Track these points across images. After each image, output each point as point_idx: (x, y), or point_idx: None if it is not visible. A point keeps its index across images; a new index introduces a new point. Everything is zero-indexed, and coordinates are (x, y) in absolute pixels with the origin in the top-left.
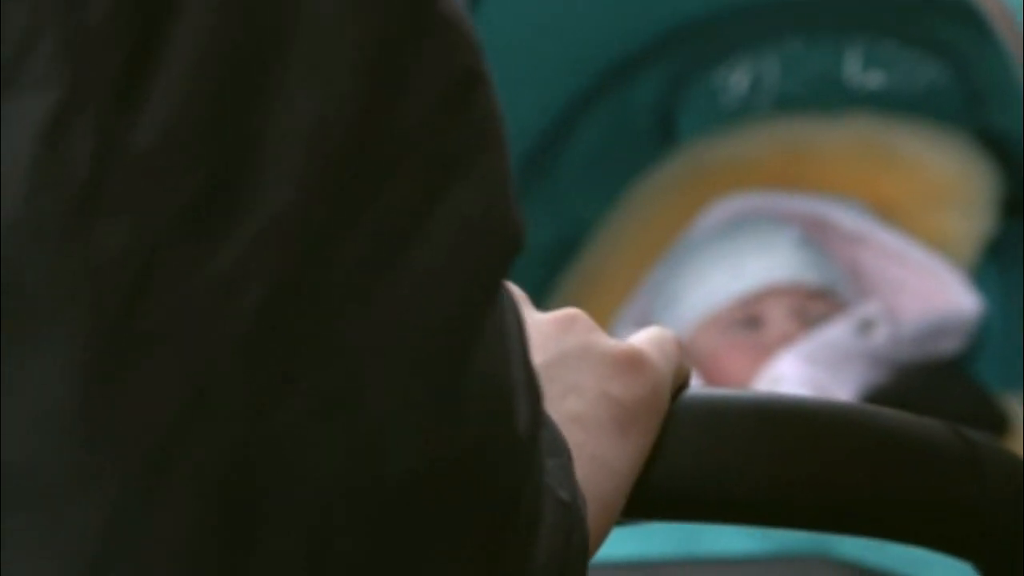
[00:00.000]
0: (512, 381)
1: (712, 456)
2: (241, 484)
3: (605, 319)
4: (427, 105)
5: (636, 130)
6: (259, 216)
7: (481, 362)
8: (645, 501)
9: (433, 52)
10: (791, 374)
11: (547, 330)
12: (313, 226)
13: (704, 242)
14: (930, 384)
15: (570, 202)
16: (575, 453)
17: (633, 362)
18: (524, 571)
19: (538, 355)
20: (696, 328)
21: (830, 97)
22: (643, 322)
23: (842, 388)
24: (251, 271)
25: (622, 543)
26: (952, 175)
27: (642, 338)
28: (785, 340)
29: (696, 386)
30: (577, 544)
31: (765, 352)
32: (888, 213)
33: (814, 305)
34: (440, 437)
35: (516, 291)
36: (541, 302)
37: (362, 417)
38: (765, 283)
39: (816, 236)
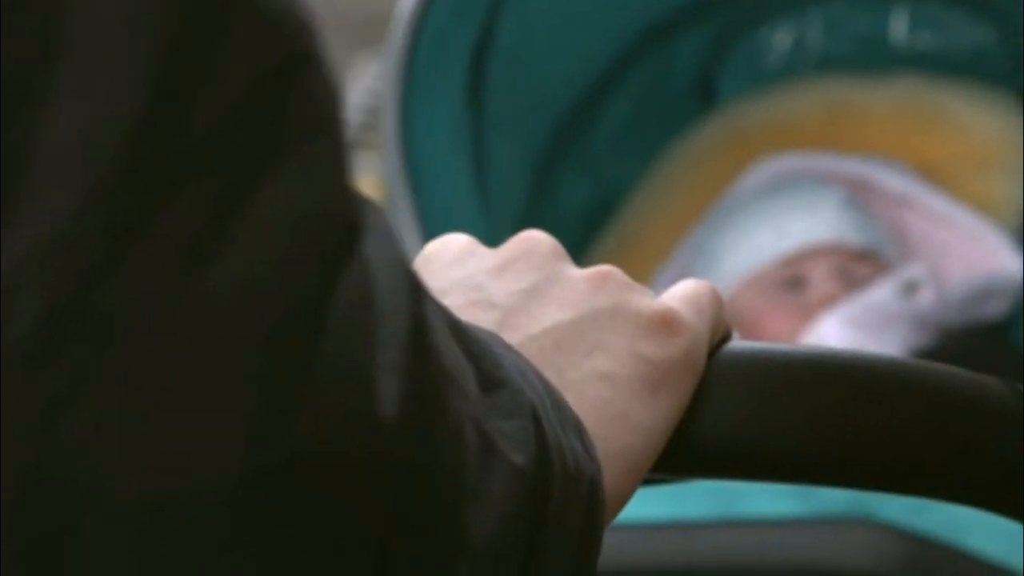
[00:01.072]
0: (371, 361)
1: (760, 412)
2: (40, 507)
3: (643, 282)
4: (232, 99)
5: (675, 91)
6: (28, 236)
7: (325, 352)
8: (689, 459)
9: (238, 44)
10: (833, 337)
11: (580, 287)
12: (93, 242)
13: (746, 202)
14: (973, 348)
15: (608, 164)
16: (600, 410)
17: (666, 321)
18: (462, 544)
19: (568, 311)
20: (737, 288)
21: (875, 58)
22: None
23: (885, 351)
24: (22, 291)
25: (658, 504)
26: (999, 137)
27: (676, 294)
28: (828, 301)
29: (739, 340)
30: (561, 503)
31: (807, 313)
32: (933, 176)
33: (858, 266)
34: (269, 438)
35: (552, 244)
36: (577, 265)
37: (166, 429)
38: (808, 243)
39: (860, 197)
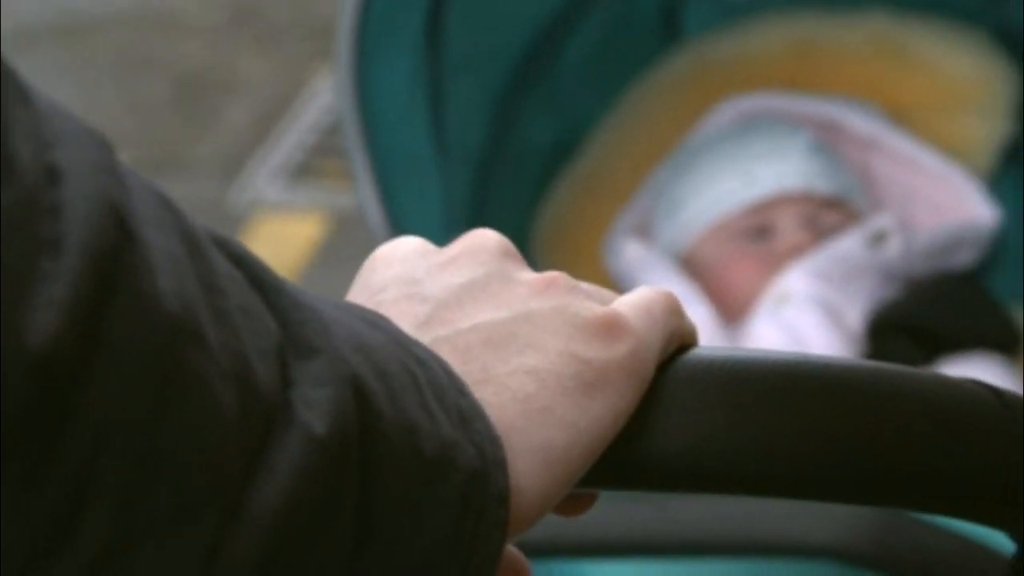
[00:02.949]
0: (18, 296)
1: (731, 425)
2: None
3: (606, 222)
4: None
5: (640, 26)
6: None
7: None
8: (634, 471)
9: None
10: (800, 290)
11: (520, 290)
12: None
13: (712, 145)
14: (942, 299)
15: (571, 100)
16: (522, 402)
17: (607, 325)
18: (230, 512)
19: (503, 311)
20: (702, 235)
21: None
22: (644, 227)
23: (852, 304)
24: None
25: None
26: (970, 77)
27: (628, 300)
28: (795, 251)
29: (706, 344)
30: (406, 485)
31: (774, 263)
32: (902, 117)
33: (826, 214)
34: None
35: (499, 241)
36: (540, 203)
37: None
38: (776, 190)
39: (828, 140)
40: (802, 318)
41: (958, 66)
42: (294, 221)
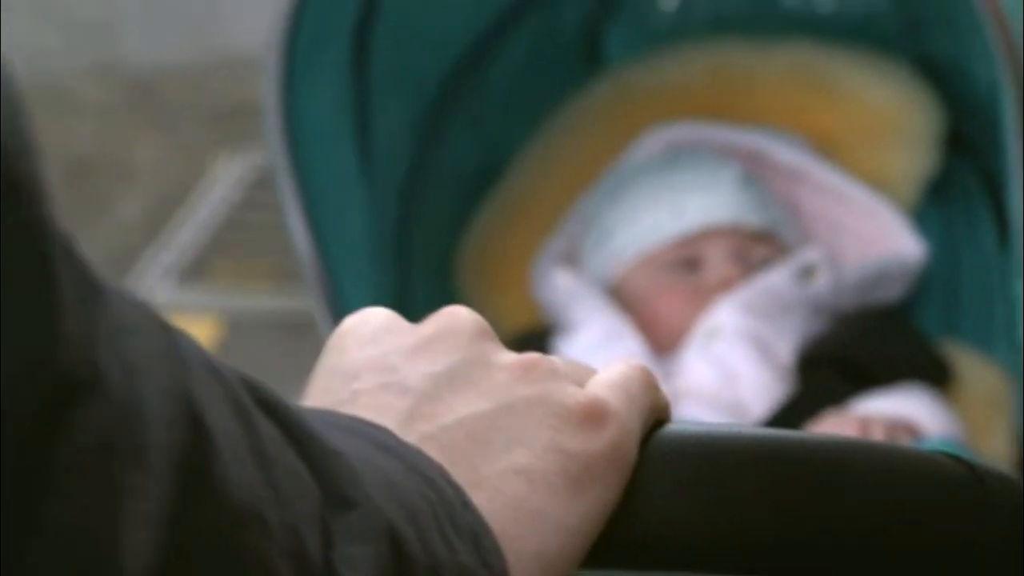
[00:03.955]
0: (111, 514)
1: (709, 503)
2: None
3: (531, 247)
4: None
5: (562, 51)
6: None
7: (48, 513)
8: (620, 553)
9: None
10: (730, 325)
11: (501, 376)
12: None
13: (641, 175)
14: (871, 333)
15: (495, 124)
16: (515, 508)
17: (592, 415)
18: None
19: (485, 401)
20: (631, 266)
21: (766, 21)
22: (572, 255)
23: (782, 338)
24: None
25: None
26: (892, 108)
27: (605, 380)
28: (724, 285)
29: (681, 419)
30: None
31: (703, 296)
32: (827, 148)
33: (755, 248)
34: None
35: (474, 322)
36: (463, 230)
37: None
38: (705, 223)
39: (755, 171)
40: (732, 352)
41: (881, 97)
42: (185, 324)
